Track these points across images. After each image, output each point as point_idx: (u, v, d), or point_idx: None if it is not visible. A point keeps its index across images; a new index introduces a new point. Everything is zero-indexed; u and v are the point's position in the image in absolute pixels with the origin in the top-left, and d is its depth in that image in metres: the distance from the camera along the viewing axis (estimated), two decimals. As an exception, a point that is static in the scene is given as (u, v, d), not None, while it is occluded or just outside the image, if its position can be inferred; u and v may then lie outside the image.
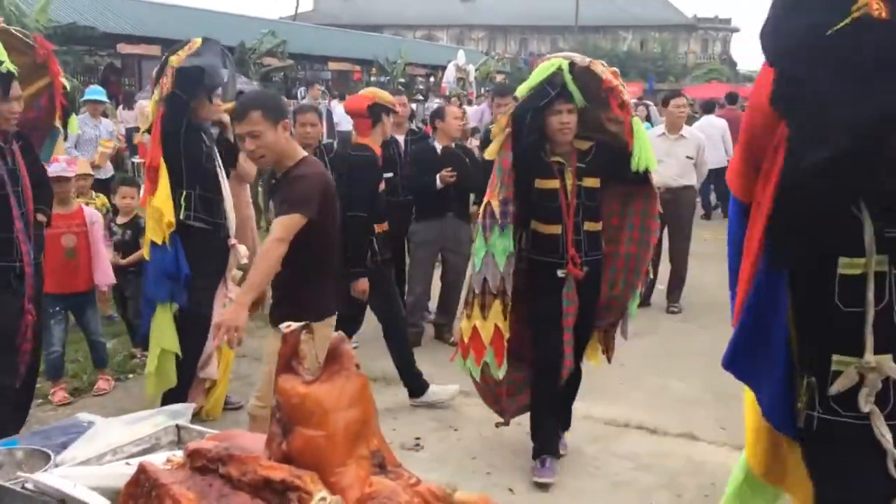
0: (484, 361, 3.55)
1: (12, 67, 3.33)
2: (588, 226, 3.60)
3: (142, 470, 1.30)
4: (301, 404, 1.53)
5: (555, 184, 3.54)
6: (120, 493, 1.50)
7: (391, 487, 1.25)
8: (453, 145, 5.72)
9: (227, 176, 4.43)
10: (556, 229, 3.55)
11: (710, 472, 3.70)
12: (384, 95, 4.74)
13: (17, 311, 3.45)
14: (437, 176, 5.43)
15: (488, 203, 3.50)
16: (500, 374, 3.57)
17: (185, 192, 4.06)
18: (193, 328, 4.22)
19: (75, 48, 17.20)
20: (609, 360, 3.94)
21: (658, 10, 62.27)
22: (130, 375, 5.05)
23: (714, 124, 10.29)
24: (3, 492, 1.63)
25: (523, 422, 4.30)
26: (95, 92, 8.54)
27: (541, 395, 3.69)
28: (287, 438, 1.52)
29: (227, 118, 4.40)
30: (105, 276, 4.73)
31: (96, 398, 4.63)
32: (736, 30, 65.52)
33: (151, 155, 4.11)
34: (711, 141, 9.80)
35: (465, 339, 3.59)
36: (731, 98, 12.72)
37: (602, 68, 3.40)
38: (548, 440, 3.69)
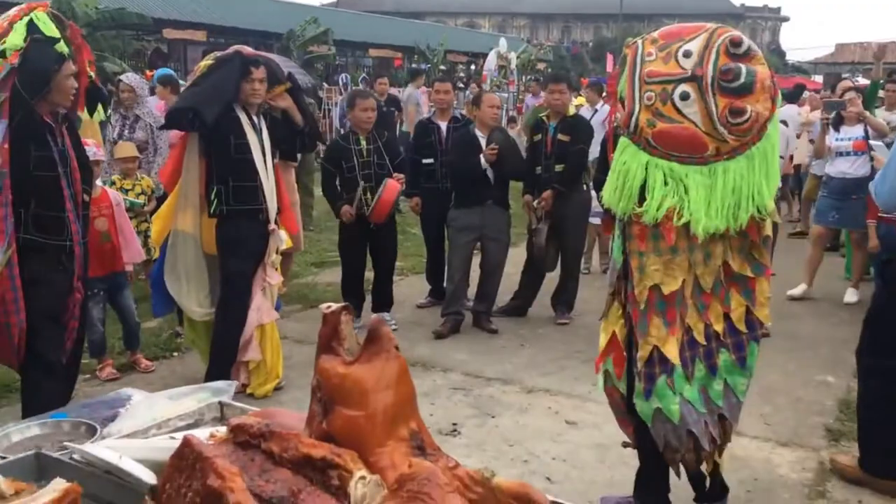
0: (603, 369, 2.95)
1: (66, 49, 3.40)
2: None
3: (186, 443, 1.32)
4: (341, 384, 1.53)
5: None
6: (164, 466, 1.52)
7: (431, 468, 1.25)
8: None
9: (293, 156, 4.86)
10: None
11: (753, 468, 3.64)
12: None
13: (67, 289, 3.52)
14: (482, 155, 5.43)
15: None
16: (622, 387, 2.93)
17: (216, 189, 4.21)
18: (230, 311, 4.30)
19: (124, 33, 17.53)
20: None
21: (705, -3, 61.06)
22: (175, 354, 5.15)
23: (792, 114, 9.34)
24: (51, 462, 1.67)
25: (561, 410, 4.30)
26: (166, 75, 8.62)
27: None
28: (327, 418, 1.53)
29: (288, 102, 4.46)
30: (136, 255, 4.84)
31: (142, 375, 4.73)
32: (786, 19, 64.04)
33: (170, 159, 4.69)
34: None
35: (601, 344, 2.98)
36: (801, 89, 11.75)
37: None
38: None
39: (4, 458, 1.75)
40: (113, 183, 5.43)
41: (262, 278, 4.42)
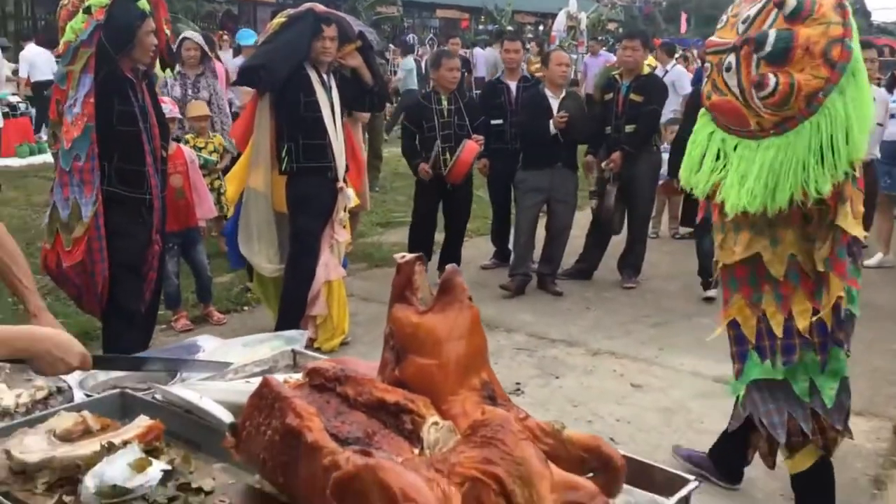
0: None
1: (147, 6, 3.47)
2: None
3: (265, 384, 1.35)
4: (414, 333, 1.54)
5: None
6: (243, 407, 1.57)
7: (504, 416, 1.25)
8: (564, 92, 5.60)
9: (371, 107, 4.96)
10: None
11: (824, 437, 3.56)
12: None
13: (147, 241, 3.64)
14: (551, 121, 5.36)
15: None
16: None
17: (286, 146, 4.26)
18: (299, 267, 4.37)
19: (198, -5, 17.85)
20: None
21: (787, -46, 58.19)
22: (245, 308, 5.30)
23: None
24: (134, 401, 1.74)
25: (626, 373, 4.26)
26: (249, 36, 8.73)
27: None
28: (399, 366, 1.54)
29: (358, 60, 4.47)
30: (208, 211, 4.96)
31: (214, 327, 4.87)
32: (873, -24, 60.53)
33: (242, 118, 4.66)
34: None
35: None
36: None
37: None
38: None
39: (90, 395, 1.83)
40: (186, 141, 5.55)
41: (330, 235, 4.48)
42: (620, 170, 5.52)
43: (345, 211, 4.54)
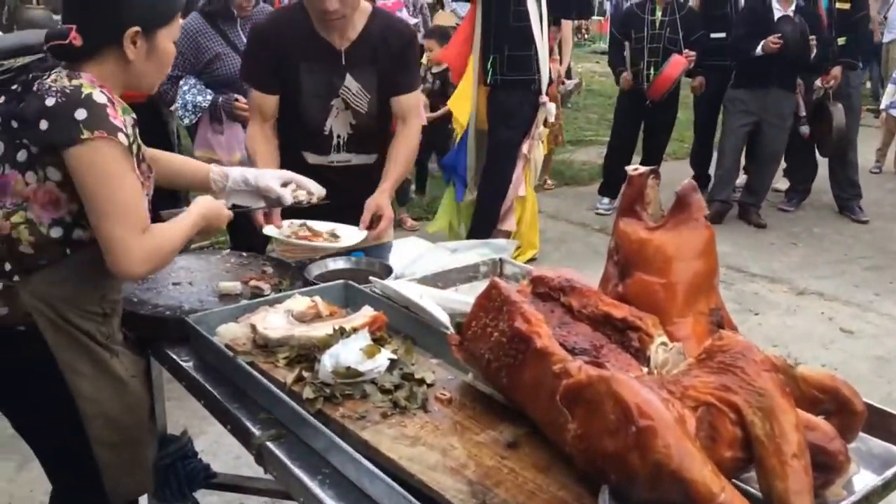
0: None
1: None
2: None
3: (493, 286, 1.35)
4: (641, 250, 1.49)
5: None
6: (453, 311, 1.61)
7: (746, 343, 1.17)
8: (793, 10, 5.05)
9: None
10: None
11: None
12: None
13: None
14: (761, 44, 4.90)
15: None
16: None
17: (492, 57, 4.18)
18: (494, 180, 4.36)
19: None
20: None
21: None
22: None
23: None
24: (356, 292, 1.82)
25: (835, 317, 3.96)
26: None
27: None
28: (623, 281, 1.50)
29: None
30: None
31: (406, 231, 5.04)
32: None
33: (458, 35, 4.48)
34: None
35: None
36: None
37: None
38: None
39: (315, 283, 1.94)
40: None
41: (528, 147, 4.42)
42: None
43: (544, 125, 4.46)
